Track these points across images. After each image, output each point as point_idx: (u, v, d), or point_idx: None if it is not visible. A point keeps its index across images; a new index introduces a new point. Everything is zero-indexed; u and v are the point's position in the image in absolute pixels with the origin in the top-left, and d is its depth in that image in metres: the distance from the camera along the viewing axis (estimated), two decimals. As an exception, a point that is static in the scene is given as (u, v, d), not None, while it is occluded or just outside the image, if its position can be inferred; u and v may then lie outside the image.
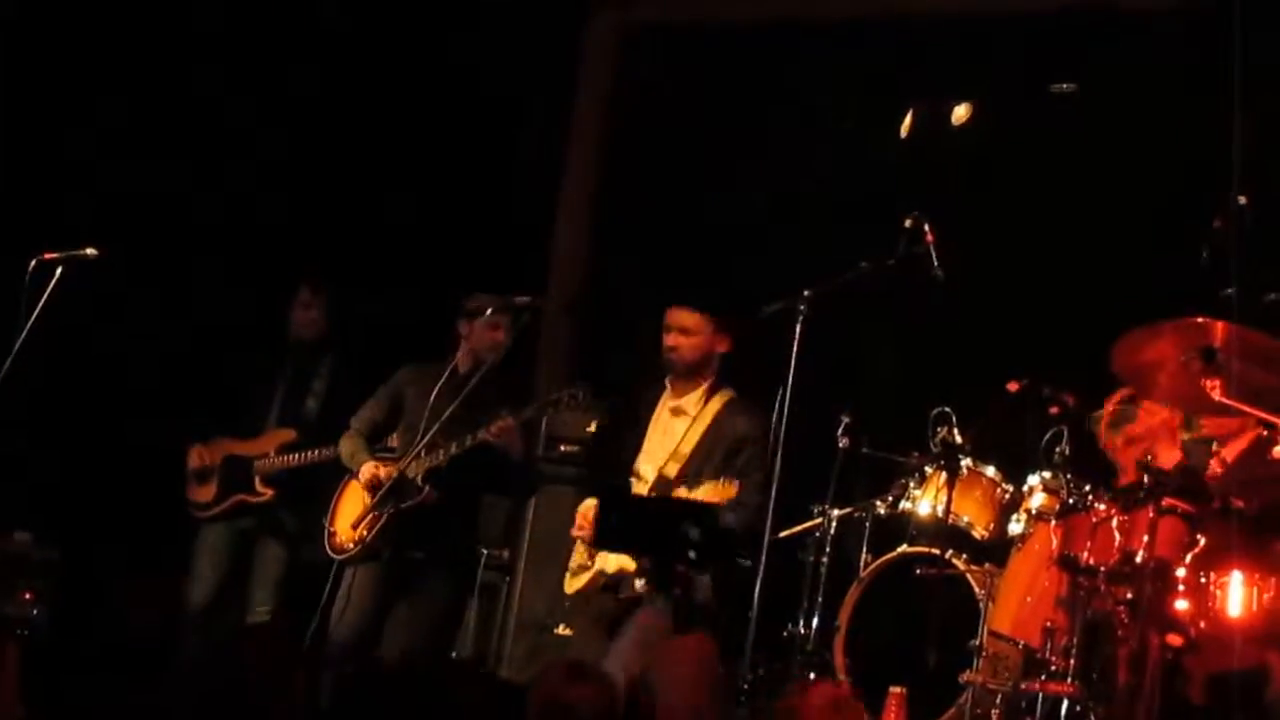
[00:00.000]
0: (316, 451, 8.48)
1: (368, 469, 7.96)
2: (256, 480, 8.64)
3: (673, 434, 7.48)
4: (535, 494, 9.03)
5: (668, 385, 7.56)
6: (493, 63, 10.06)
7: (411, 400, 8.11)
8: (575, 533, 7.50)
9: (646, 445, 7.55)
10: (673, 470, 7.40)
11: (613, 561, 7.37)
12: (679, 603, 7.08)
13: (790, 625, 8.11)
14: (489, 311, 7.98)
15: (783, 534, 7.92)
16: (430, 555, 7.93)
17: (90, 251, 7.58)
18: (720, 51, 10.15)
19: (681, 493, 7.18)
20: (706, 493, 7.05)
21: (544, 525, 9.04)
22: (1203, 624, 6.46)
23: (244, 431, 8.77)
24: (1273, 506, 6.62)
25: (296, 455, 8.58)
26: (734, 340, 7.49)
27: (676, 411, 7.52)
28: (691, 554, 6.69)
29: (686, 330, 7.44)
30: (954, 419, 7.75)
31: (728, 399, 7.47)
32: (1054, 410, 7.63)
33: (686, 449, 7.39)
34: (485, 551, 9.04)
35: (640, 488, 7.44)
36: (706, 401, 7.49)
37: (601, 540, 7.16)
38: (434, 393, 7.85)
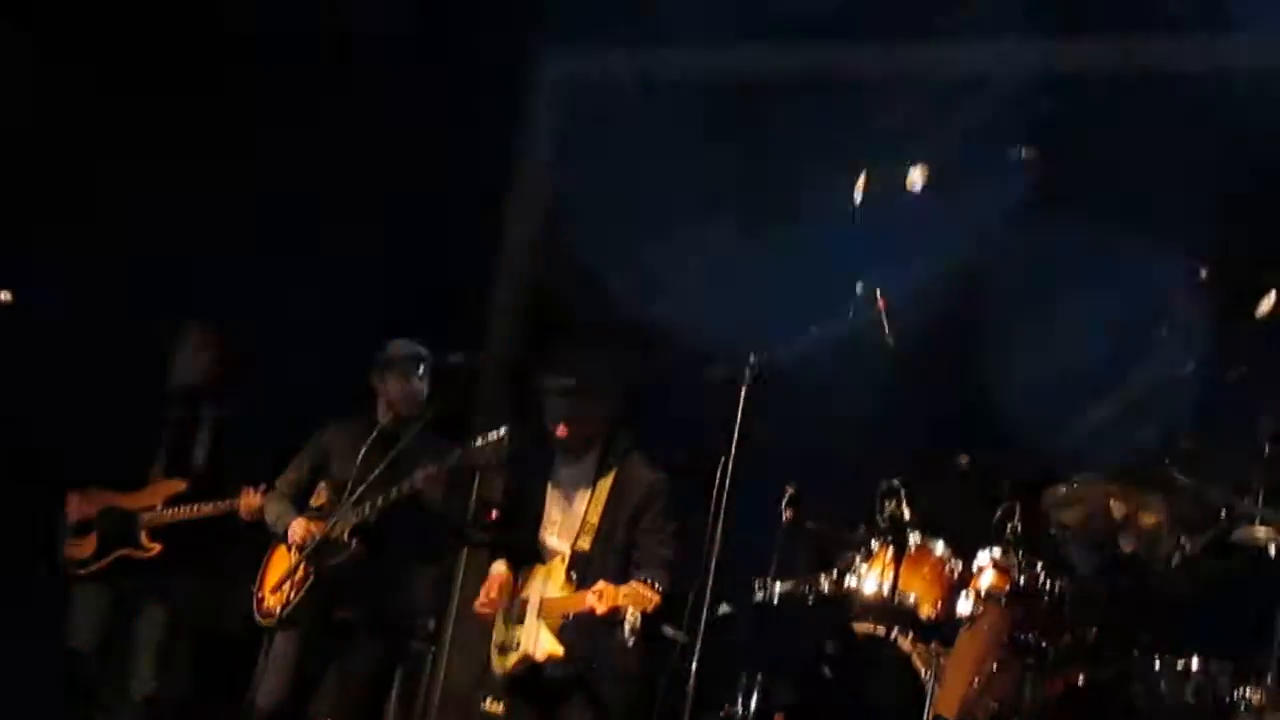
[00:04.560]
0: (211, 505, 8.40)
1: (298, 526, 7.97)
2: (142, 534, 8.49)
3: (576, 503, 7.53)
4: (462, 550, 9.00)
5: (564, 454, 7.63)
6: (428, 115, 10.06)
7: (337, 457, 8.12)
8: (480, 607, 7.53)
9: (548, 516, 7.59)
10: (586, 543, 7.46)
11: (542, 647, 7.38)
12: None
13: (727, 705, 8.10)
14: (403, 362, 8.02)
15: (721, 610, 7.90)
16: (359, 616, 7.91)
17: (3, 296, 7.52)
18: (663, 105, 10.18)
19: (603, 585, 7.21)
20: (632, 595, 7.09)
21: (472, 593, 8.99)
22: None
23: (125, 482, 8.63)
24: None
25: (188, 508, 8.46)
26: (623, 404, 7.56)
27: (574, 480, 7.58)
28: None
29: (571, 419, 7.53)
30: (903, 493, 7.75)
31: (629, 460, 7.55)
32: (1009, 483, 7.68)
33: (594, 519, 7.44)
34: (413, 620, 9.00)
35: (555, 562, 7.48)
36: (605, 465, 7.55)
37: None
38: (362, 449, 7.86)
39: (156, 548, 8.47)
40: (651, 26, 9.91)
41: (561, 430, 7.61)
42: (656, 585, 7.12)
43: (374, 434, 8.01)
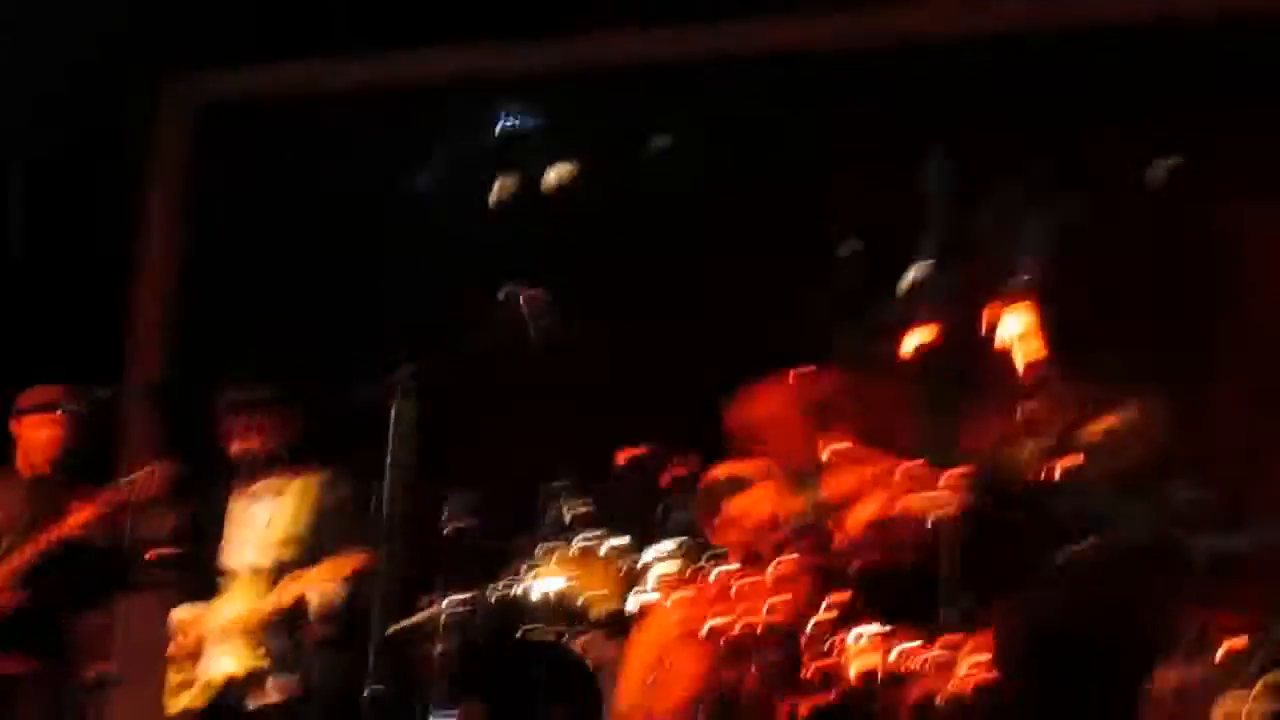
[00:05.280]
0: None
1: None
2: None
3: (258, 522, 7.45)
4: (133, 589, 8.81)
5: (241, 473, 7.55)
6: (55, 141, 9.85)
7: None
8: (175, 651, 7.39)
9: (229, 538, 7.50)
10: (274, 557, 7.37)
11: (220, 668, 7.26)
12: None
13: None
14: (35, 410, 7.86)
15: (390, 629, 7.81)
16: (22, 667, 7.71)
17: None
18: (302, 121, 10.10)
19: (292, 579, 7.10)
20: (323, 572, 7.04)
21: (137, 636, 8.82)
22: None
23: None
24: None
25: None
26: (298, 422, 7.51)
27: (256, 494, 7.50)
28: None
29: (248, 433, 7.51)
30: (566, 494, 7.74)
31: (310, 476, 7.47)
32: (673, 475, 7.71)
33: (283, 530, 7.36)
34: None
35: (240, 585, 7.38)
36: (289, 476, 7.48)
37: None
38: (8, 499, 7.71)
39: None
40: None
41: (242, 442, 7.51)
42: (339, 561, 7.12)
43: (20, 483, 7.87)
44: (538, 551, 7.90)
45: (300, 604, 7.26)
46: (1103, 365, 7.25)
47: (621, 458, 7.95)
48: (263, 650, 7.33)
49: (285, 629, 7.32)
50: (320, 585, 7.17)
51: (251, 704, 7.37)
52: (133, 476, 7.73)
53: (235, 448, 7.57)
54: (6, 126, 9.78)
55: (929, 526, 6.93)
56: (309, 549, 7.43)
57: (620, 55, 9.68)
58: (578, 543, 7.72)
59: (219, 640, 7.41)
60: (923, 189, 8.38)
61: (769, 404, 6.76)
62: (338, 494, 7.51)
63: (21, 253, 9.91)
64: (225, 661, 7.34)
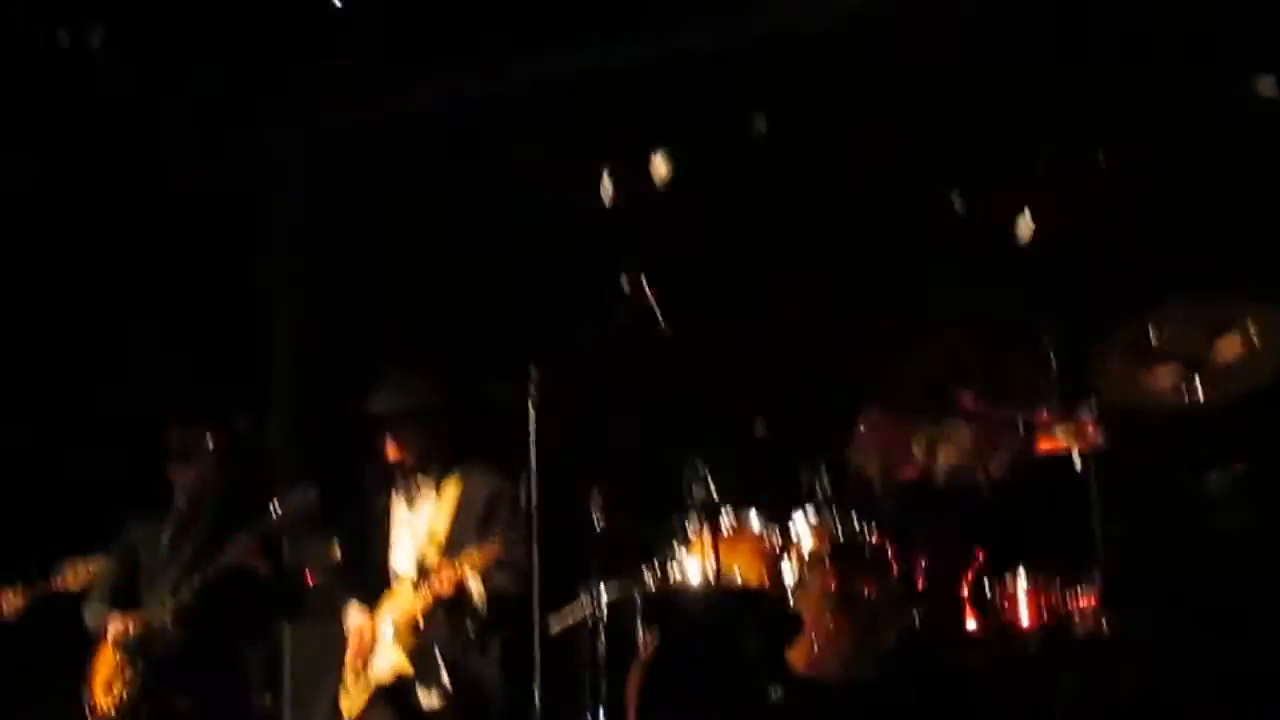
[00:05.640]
0: None
1: (116, 623, 7.95)
2: None
3: (418, 521, 7.55)
4: (285, 619, 8.94)
5: (398, 478, 7.63)
6: (176, 183, 10.05)
7: (145, 549, 8.12)
8: (350, 654, 7.48)
9: (396, 540, 7.60)
10: (433, 556, 7.47)
11: (386, 669, 7.37)
12: None
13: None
14: (190, 447, 7.99)
15: (555, 628, 7.89)
16: (195, 702, 7.86)
17: None
18: (408, 138, 10.21)
19: (445, 564, 7.18)
20: (469, 559, 7.14)
21: (303, 661, 8.95)
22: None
23: None
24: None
25: None
26: (450, 420, 7.58)
27: (416, 498, 7.61)
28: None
29: (398, 438, 7.56)
30: (707, 474, 7.75)
31: (465, 469, 7.56)
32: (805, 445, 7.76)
33: (440, 529, 7.45)
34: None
35: (404, 586, 7.48)
36: (443, 478, 7.57)
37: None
38: (165, 536, 7.85)
39: None
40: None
41: (393, 452, 7.61)
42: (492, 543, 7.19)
43: (176, 518, 8.02)
44: (686, 533, 7.83)
45: (459, 592, 7.33)
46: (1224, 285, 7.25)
47: (756, 431, 8.00)
48: (426, 644, 7.38)
49: (446, 619, 7.38)
50: (475, 571, 7.23)
51: (420, 700, 7.44)
52: (284, 503, 7.85)
53: (387, 457, 7.66)
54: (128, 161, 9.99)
55: (1072, 463, 6.97)
56: (463, 546, 7.48)
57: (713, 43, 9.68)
58: (724, 520, 7.69)
59: (386, 640, 7.49)
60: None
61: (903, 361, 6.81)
62: (488, 491, 7.58)
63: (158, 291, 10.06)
64: (391, 659, 7.41)
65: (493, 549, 7.23)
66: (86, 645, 8.21)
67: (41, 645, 8.60)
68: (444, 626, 7.44)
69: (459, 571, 7.26)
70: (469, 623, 7.38)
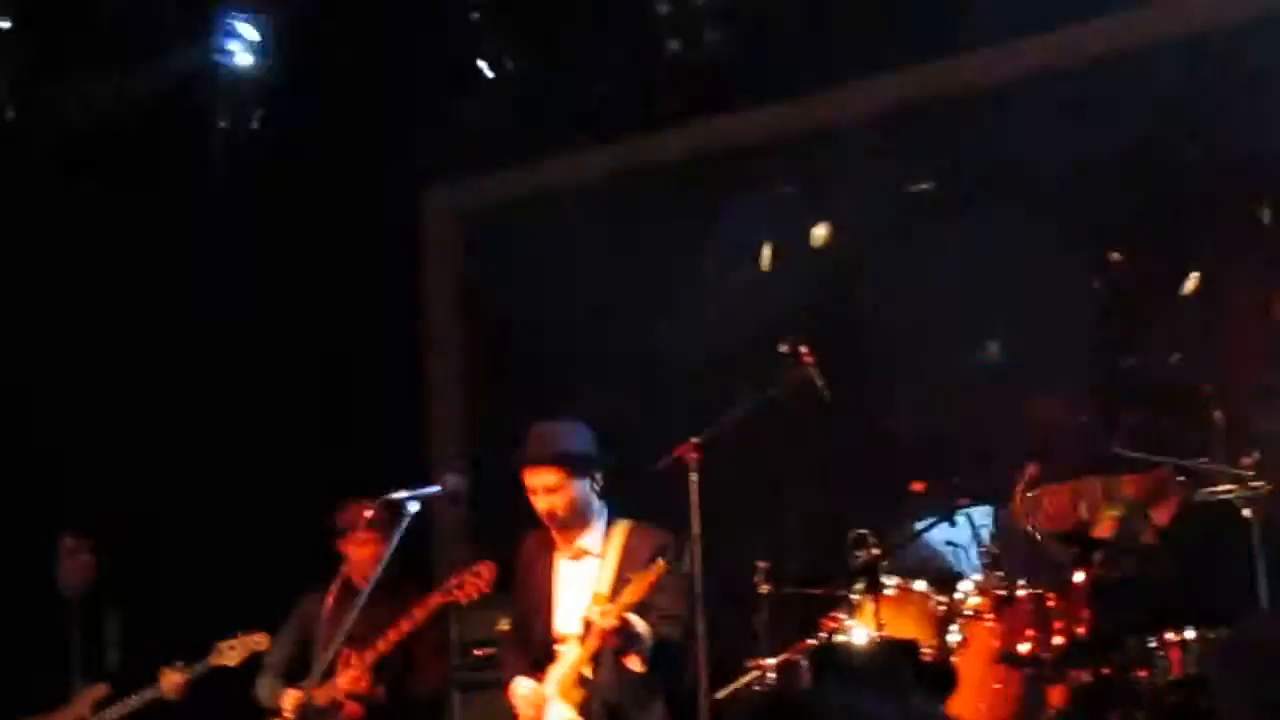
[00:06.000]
0: (136, 697, 8.56)
1: (288, 698, 8.04)
2: None
3: (583, 579, 7.50)
4: (464, 686, 9.01)
5: (556, 540, 7.61)
6: (333, 262, 10.23)
7: (318, 623, 8.18)
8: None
9: (559, 603, 7.57)
10: (597, 613, 7.39)
11: None
12: None
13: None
14: (361, 524, 8.08)
15: (720, 693, 7.90)
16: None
17: None
18: (558, 212, 10.33)
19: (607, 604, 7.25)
20: (634, 590, 7.12)
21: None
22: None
23: (45, 703, 8.74)
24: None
25: (117, 707, 8.60)
26: (603, 474, 7.58)
27: (578, 556, 7.57)
28: None
29: (551, 488, 7.53)
30: (871, 539, 7.73)
31: (629, 527, 7.55)
32: (963, 501, 7.75)
33: (604, 588, 7.39)
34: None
35: (569, 644, 7.44)
36: (607, 536, 7.55)
37: None
38: (334, 612, 7.93)
39: None
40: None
41: (547, 510, 7.59)
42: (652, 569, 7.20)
43: (344, 593, 8.11)
44: (852, 599, 7.81)
45: (624, 634, 7.25)
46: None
47: (912, 488, 7.99)
48: (593, 693, 7.33)
49: (613, 666, 7.30)
50: (637, 597, 7.16)
51: None
52: (460, 578, 7.93)
53: (541, 507, 7.56)
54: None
55: (1236, 513, 6.93)
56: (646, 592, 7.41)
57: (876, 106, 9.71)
58: (888, 585, 7.69)
59: (553, 698, 7.44)
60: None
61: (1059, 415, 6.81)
62: (652, 544, 7.47)
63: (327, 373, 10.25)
64: (560, 715, 7.34)
65: (656, 571, 7.13)
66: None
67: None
68: (611, 672, 7.36)
69: (622, 605, 7.15)
70: (635, 658, 7.26)
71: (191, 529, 9.94)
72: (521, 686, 7.51)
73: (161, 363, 10.17)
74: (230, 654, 8.50)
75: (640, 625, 7.19)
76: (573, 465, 7.53)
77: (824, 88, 9.69)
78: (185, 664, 8.56)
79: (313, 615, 8.32)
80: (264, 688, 8.36)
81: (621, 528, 7.58)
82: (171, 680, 8.55)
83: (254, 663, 8.53)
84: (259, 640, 8.50)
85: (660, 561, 7.19)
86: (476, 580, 7.89)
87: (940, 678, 7.19)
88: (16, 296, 9.89)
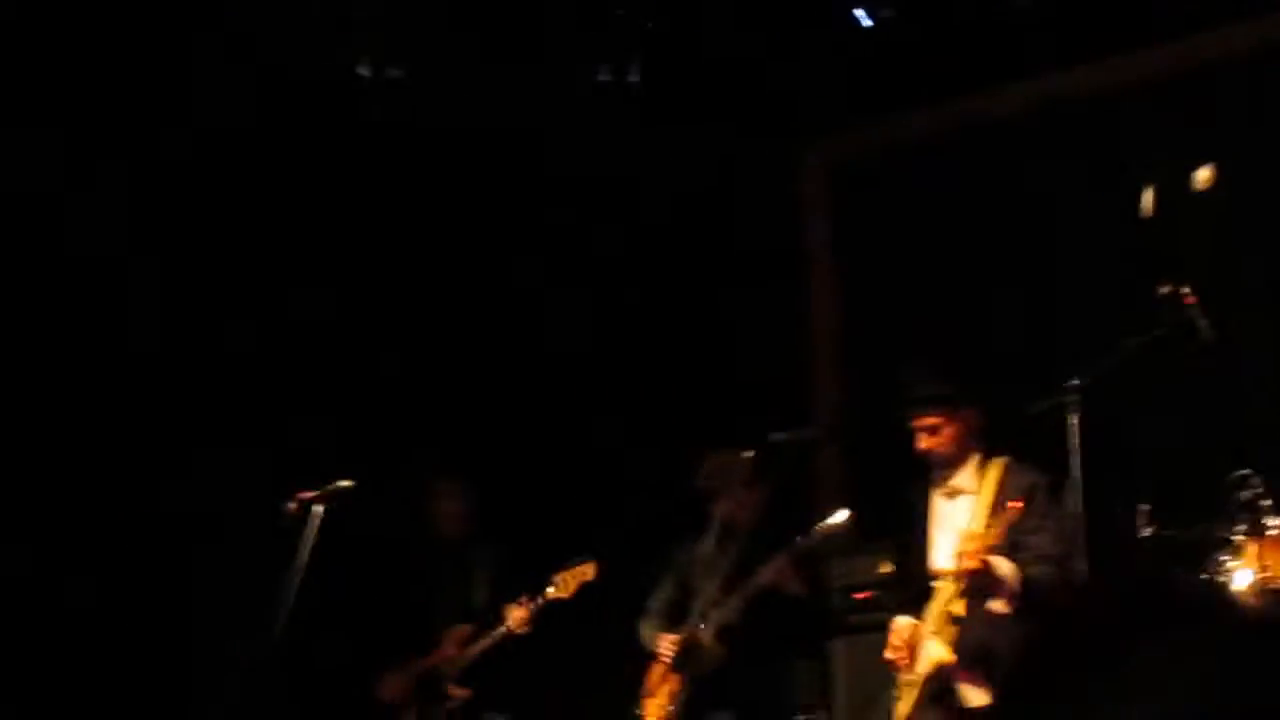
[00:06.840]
0: (488, 636, 8.80)
1: (665, 641, 8.23)
2: (448, 685, 8.88)
3: (957, 516, 7.54)
4: (834, 635, 9.09)
5: (934, 477, 7.67)
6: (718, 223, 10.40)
7: (694, 568, 8.38)
8: (890, 653, 7.55)
9: (935, 541, 7.62)
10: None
11: (930, 658, 7.41)
12: None
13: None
14: (727, 471, 8.23)
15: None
16: (740, 716, 8.12)
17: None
18: (930, 160, 10.38)
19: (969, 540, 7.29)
20: (994, 532, 7.15)
21: (855, 677, 9.05)
22: None
23: (423, 646, 9.02)
24: None
25: (477, 644, 8.84)
26: (980, 412, 7.61)
27: (953, 493, 7.61)
28: None
29: (932, 429, 7.59)
30: (1255, 479, 7.62)
31: (1004, 464, 7.58)
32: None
33: (978, 524, 7.41)
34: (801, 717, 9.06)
35: (945, 582, 7.47)
36: (982, 474, 7.58)
37: None
38: (706, 558, 8.11)
39: (465, 693, 8.87)
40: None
41: (925, 441, 7.72)
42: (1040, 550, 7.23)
43: (715, 540, 8.29)
44: (1234, 541, 7.58)
45: (986, 572, 7.29)
46: None
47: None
48: (966, 631, 7.35)
49: (982, 604, 7.30)
50: (1002, 534, 7.19)
51: (963, 697, 7.42)
52: (824, 528, 8.06)
53: (922, 445, 7.63)
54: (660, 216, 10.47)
55: None
56: (999, 548, 7.42)
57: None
58: (1270, 527, 7.56)
59: (927, 637, 7.49)
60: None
61: None
62: (1027, 481, 7.47)
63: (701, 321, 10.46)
64: (932, 653, 7.37)
65: (1013, 512, 7.13)
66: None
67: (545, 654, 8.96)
68: (981, 611, 7.38)
69: (982, 546, 7.16)
70: (999, 600, 7.26)
71: (564, 472, 10.28)
72: (899, 623, 7.59)
73: (547, 314, 10.52)
74: (562, 586, 8.71)
75: (1005, 568, 7.22)
76: (952, 406, 7.62)
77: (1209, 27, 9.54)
78: (528, 598, 8.79)
79: (688, 562, 8.53)
80: (645, 630, 8.62)
81: (997, 465, 7.61)
82: (516, 615, 8.78)
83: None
84: (586, 571, 8.69)
85: (1015, 502, 7.20)
86: (841, 531, 8.02)
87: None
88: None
